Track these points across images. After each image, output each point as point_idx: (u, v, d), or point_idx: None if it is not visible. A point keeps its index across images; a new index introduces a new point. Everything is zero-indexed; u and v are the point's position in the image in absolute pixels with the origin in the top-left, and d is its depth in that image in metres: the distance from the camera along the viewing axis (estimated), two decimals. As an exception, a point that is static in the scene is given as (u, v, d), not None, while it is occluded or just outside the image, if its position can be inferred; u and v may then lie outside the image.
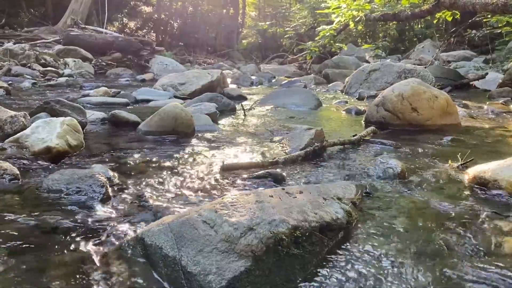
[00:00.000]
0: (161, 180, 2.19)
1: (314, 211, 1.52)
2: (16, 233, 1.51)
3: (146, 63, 11.66)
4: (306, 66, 13.63)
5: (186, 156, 2.72)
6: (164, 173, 2.32)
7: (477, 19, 9.29)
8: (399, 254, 1.42)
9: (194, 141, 3.18)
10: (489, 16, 8.33)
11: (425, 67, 7.64)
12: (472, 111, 4.85)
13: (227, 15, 25.58)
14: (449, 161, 2.53)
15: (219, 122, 4.12)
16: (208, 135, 3.38)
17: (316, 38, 11.81)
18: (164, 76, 7.39)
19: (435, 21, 9.84)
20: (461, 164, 2.44)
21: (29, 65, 9.06)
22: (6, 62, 8.84)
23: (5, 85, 5.94)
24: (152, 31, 22.79)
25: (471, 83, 7.47)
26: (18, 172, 2.11)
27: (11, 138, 2.72)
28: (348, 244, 1.49)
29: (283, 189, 1.71)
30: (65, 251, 1.40)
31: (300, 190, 1.70)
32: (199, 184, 2.15)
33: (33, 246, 1.44)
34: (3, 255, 1.35)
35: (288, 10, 23.69)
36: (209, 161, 2.59)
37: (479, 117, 4.52)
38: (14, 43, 10.75)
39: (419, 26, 16.96)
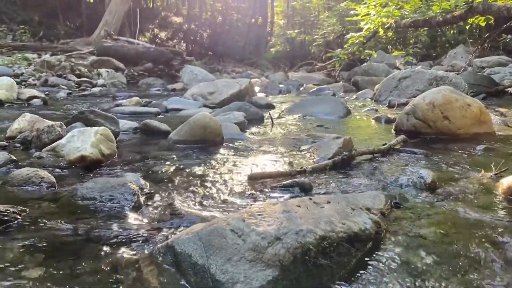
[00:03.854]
0: (190, 188, 2.23)
1: (341, 222, 1.51)
2: (52, 239, 1.58)
3: (177, 73, 11.90)
4: (334, 74, 13.57)
5: (214, 164, 2.76)
6: (194, 181, 2.36)
7: (512, 23, 9.02)
8: (429, 266, 1.40)
9: (222, 149, 3.22)
10: (525, 20, 8.08)
11: (457, 74, 7.45)
12: (508, 119, 4.70)
13: (255, 24, 25.81)
14: (482, 171, 2.47)
15: (247, 130, 4.15)
16: (236, 144, 3.42)
17: (345, 46, 11.74)
18: (194, 85, 7.53)
19: (467, 27, 9.61)
20: (495, 174, 2.38)
21: (64, 75, 9.41)
22: (44, 73, 9.20)
23: (42, 95, 6.20)
24: (182, 41, 23.20)
25: (506, 90, 7.23)
26: (54, 180, 2.21)
27: (48, 147, 2.84)
28: (376, 255, 1.47)
29: (311, 198, 1.71)
30: (98, 257, 1.45)
31: (328, 200, 1.69)
32: (227, 193, 2.17)
33: (67, 252, 1.50)
34: (40, 261, 1.42)
35: (316, 18, 23.64)
36: (237, 170, 2.62)
37: (514, 125, 4.38)
38: (51, 55, 11.19)
39: (452, 31, 16.57)
